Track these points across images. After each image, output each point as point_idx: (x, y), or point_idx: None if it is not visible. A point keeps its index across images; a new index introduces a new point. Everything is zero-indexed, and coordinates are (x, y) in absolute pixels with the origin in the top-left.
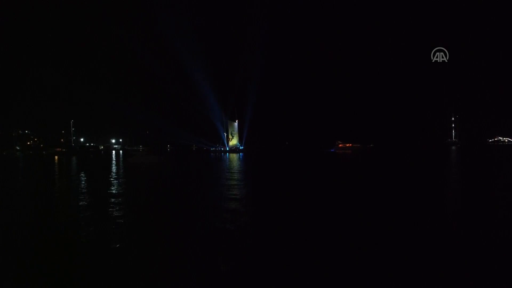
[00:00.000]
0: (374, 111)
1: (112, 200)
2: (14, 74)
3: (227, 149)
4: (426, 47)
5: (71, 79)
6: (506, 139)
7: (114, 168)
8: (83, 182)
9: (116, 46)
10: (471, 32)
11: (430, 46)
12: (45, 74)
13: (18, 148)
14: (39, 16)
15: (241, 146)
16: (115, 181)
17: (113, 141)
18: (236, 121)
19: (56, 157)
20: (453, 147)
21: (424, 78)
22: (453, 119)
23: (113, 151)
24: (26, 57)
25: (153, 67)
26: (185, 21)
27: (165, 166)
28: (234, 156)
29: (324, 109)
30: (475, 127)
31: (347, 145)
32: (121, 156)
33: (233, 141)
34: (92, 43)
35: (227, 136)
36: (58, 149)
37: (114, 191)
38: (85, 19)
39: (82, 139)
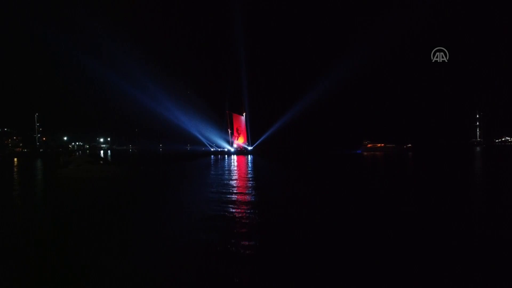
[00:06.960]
0: (405, 108)
1: None
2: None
3: (232, 150)
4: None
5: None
6: None
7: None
8: None
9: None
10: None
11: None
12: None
13: None
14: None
15: (250, 146)
16: None
17: (101, 140)
18: (244, 114)
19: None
20: (478, 148)
21: (450, 75)
22: (477, 116)
23: (101, 151)
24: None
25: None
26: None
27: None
28: (242, 161)
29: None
30: (494, 126)
31: (378, 145)
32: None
33: (240, 140)
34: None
35: (232, 133)
36: (18, 149)
37: None
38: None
39: (65, 138)
